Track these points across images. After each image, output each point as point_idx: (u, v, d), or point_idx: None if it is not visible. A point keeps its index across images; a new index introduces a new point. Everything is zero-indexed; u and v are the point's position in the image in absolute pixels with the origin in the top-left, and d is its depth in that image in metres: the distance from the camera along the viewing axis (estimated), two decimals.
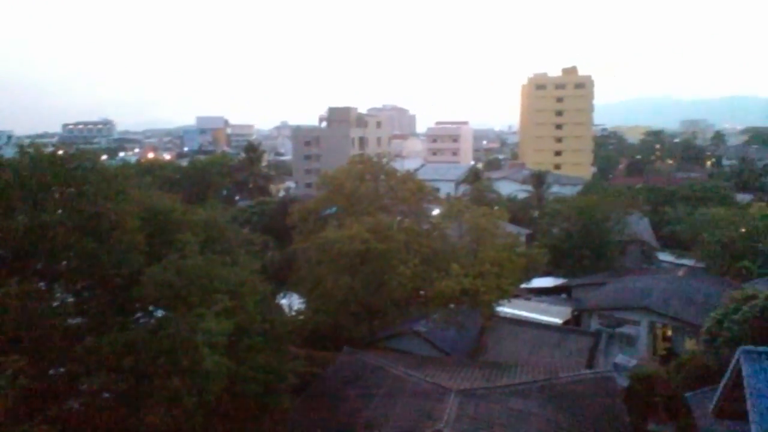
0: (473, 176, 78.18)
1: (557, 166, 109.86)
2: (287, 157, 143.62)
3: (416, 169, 75.51)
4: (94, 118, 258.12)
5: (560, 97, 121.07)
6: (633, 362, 28.13)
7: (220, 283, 16.95)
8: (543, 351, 26.79)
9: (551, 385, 19.42)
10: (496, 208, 46.42)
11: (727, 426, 15.96)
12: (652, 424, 22.91)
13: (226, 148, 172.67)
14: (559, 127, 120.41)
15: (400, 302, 28.47)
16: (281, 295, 32.48)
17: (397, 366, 21.34)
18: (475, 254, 28.82)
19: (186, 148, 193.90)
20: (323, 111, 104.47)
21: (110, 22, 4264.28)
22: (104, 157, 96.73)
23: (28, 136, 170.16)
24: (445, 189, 70.28)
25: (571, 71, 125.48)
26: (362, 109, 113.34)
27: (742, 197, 73.59)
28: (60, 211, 16.44)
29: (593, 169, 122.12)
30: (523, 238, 47.18)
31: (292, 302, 32.73)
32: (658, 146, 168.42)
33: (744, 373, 13.79)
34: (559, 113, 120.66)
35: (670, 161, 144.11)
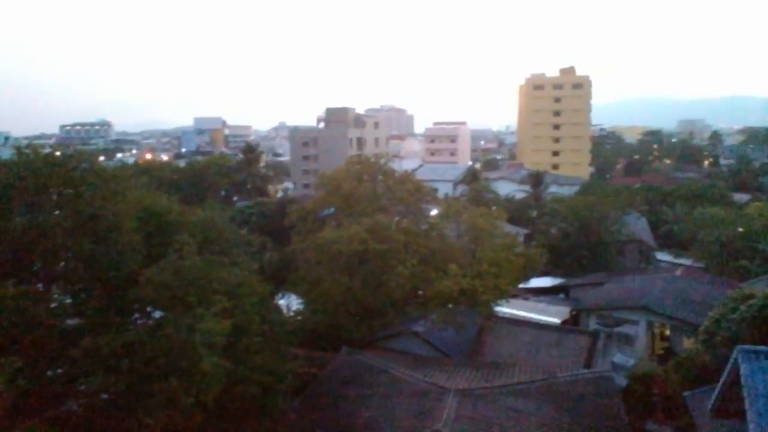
0: (471, 176, 78.23)
1: (555, 166, 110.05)
2: (285, 158, 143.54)
3: (414, 170, 75.58)
4: (92, 119, 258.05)
5: (558, 97, 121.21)
6: (631, 362, 28.11)
7: (218, 284, 16.94)
8: (541, 351, 26.77)
9: (549, 384, 19.43)
10: (494, 208, 46.49)
11: (726, 425, 15.98)
12: (650, 423, 22.92)
13: (223, 149, 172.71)
14: (556, 127, 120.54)
15: (398, 302, 28.47)
16: (280, 295, 32.48)
17: (396, 366, 21.34)
18: (473, 254, 28.86)
19: (184, 149, 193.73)
20: (321, 112, 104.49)
21: (108, 23, 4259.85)
22: (102, 158, 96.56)
23: (26, 137, 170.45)
24: (443, 189, 70.28)
25: (568, 71, 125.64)
26: (360, 110, 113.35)
27: (740, 197, 73.72)
28: (57, 212, 16.43)
29: (591, 169, 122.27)
30: (521, 238, 47.21)
31: (290, 303, 32.72)
32: (655, 146, 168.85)
33: (742, 372, 13.80)
34: (557, 113, 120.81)
35: (668, 161, 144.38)
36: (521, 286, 36.36)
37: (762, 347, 14.53)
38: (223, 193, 79.00)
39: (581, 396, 19.29)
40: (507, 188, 74.26)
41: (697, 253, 44.70)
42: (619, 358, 29.00)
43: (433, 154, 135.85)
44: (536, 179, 71.27)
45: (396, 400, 19.13)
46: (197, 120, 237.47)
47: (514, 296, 32.28)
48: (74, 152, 18.88)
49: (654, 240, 54.20)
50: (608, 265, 44.54)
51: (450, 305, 25.86)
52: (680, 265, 44.20)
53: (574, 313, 34.36)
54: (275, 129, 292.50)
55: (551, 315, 32.90)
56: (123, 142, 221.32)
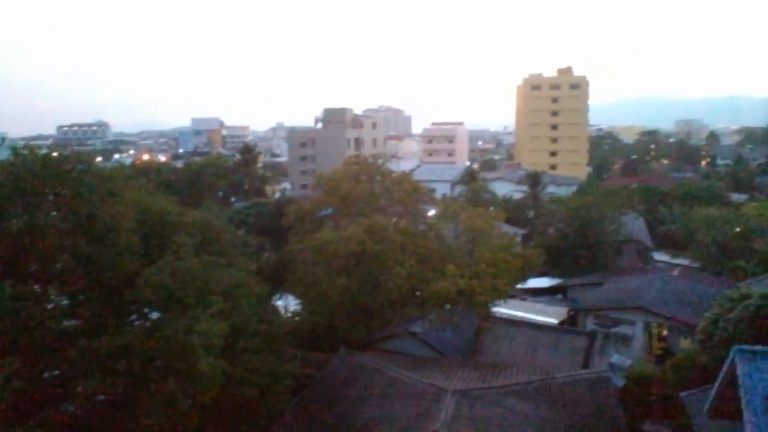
0: (469, 177, 78.32)
1: (553, 167, 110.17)
2: (283, 159, 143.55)
3: (412, 170, 75.65)
4: (89, 120, 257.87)
5: (555, 97, 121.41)
6: (628, 362, 28.16)
7: (215, 285, 16.94)
8: (539, 351, 26.80)
9: (547, 385, 19.44)
10: (491, 208, 46.50)
11: (722, 425, 16.00)
12: (647, 423, 22.97)
13: (221, 150, 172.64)
14: (554, 127, 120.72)
15: (396, 303, 28.45)
16: (277, 296, 32.44)
17: (394, 367, 21.33)
18: (470, 255, 28.85)
19: (181, 150, 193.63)
20: (319, 112, 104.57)
21: (105, 24, 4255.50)
22: (99, 158, 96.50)
23: (23, 139, 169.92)
24: (441, 190, 70.23)
25: (566, 72, 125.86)
26: (358, 110, 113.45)
27: (737, 197, 73.88)
28: (55, 213, 16.40)
29: (589, 170, 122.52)
30: (518, 239, 47.19)
31: (288, 303, 32.68)
32: (653, 146, 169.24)
33: (739, 372, 13.82)
34: (555, 114, 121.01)
35: (665, 161, 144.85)
36: (519, 286, 36.39)
37: (759, 347, 14.56)
38: (220, 193, 78.87)
39: (579, 396, 19.31)
40: (505, 188, 74.30)
41: (694, 253, 44.80)
42: (616, 358, 29.06)
43: (430, 154, 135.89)
44: (534, 179, 71.26)
45: (394, 400, 19.13)
46: (194, 121, 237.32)
47: (512, 297, 32.31)
48: (71, 153, 18.88)
49: (651, 240, 54.29)
50: (606, 265, 44.59)
51: (448, 306, 25.86)
52: (677, 265, 44.30)
53: (571, 313, 34.42)
54: (273, 129, 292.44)
55: (549, 315, 32.94)
56: (120, 143, 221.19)
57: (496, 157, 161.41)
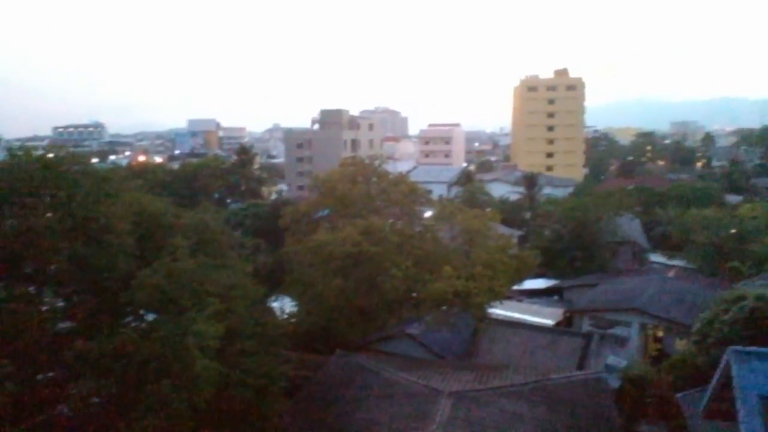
0: (465, 178, 78.40)
1: (549, 168, 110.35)
2: (279, 160, 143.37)
3: (408, 171, 75.68)
4: (85, 121, 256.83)
5: (552, 98, 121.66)
6: (624, 363, 28.19)
7: (211, 287, 16.88)
8: (535, 352, 26.85)
9: (543, 386, 19.47)
10: (488, 209, 46.55)
11: (717, 426, 16.04)
12: (643, 424, 23.00)
13: (217, 151, 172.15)
14: (550, 128, 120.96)
15: (392, 304, 28.47)
16: (273, 298, 32.41)
17: (390, 368, 21.34)
18: (467, 256, 28.88)
19: (177, 151, 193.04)
20: (315, 113, 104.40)
21: (101, 25, 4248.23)
22: (95, 160, 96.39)
23: (18, 140, 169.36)
24: (438, 191, 70.33)
25: (562, 73, 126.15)
26: (354, 112, 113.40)
27: (732, 198, 74.16)
28: (50, 214, 16.34)
29: (585, 171, 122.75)
30: (515, 240, 47.24)
31: (284, 305, 32.67)
32: (649, 147, 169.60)
33: (733, 373, 13.88)
34: (551, 115, 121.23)
35: (661, 162, 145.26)
36: (515, 287, 36.45)
37: (753, 348, 14.63)
38: (216, 195, 78.85)
39: (575, 398, 19.35)
40: (501, 190, 74.37)
41: (689, 254, 44.94)
42: (612, 359, 29.10)
43: (427, 155, 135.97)
44: (530, 181, 71.35)
45: (390, 402, 19.13)
46: (191, 122, 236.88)
47: (508, 298, 32.36)
48: (67, 154, 18.75)
49: (647, 241, 54.45)
50: (602, 266, 44.68)
51: (444, 307, 25.87)
52: (673, 266, 44.43)
53: (567, 314, 34.47)
54: (269, 131, 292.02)
55: (545, 317, 33.00)
56: (116, 144, 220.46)
57: (493, 159, 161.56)
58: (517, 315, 32.29)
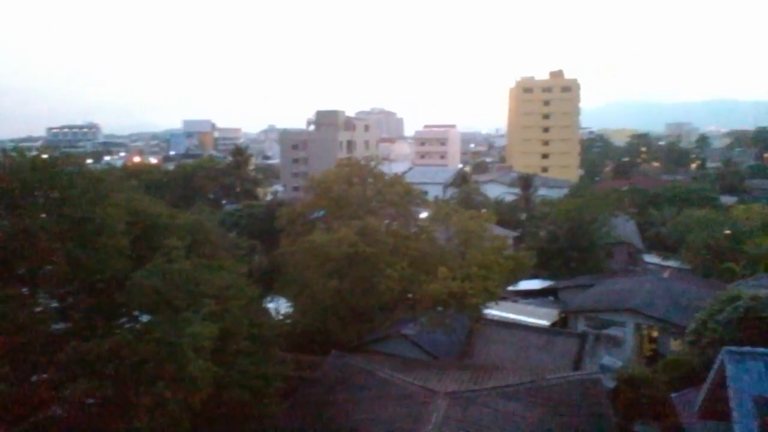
0: (461, 179, 78.42)
1: (544, 169, 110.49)
2: (275, 161, 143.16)
3: (404, 173, 75.52)
4: (80, 122, 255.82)
5: (547, 100, 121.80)
6: (619, 364, 28.29)
7: (206, 288, 16.84)
8: (530, 353, 26.88)
9: (538, 387, 19.49)
10: (483, 210, 46.62)
11: (712, 426, 16.10)
12: (638, 424, 23.06)
13: (212, 152, 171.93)
14: (546, 130, 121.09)
15: (387, 305, 28.43)
16: (268, 299, 32.36)
17: (385, 369, 21.33)
18: (462, 257, 28.88)
19: (172, 152, 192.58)
20: (311, 114, 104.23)
21: (96, 26, 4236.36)
22: (89, 161, 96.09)
23: (12, 140, 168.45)
24: (433, 192, 70.36)
25: (557, 75, 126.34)
26: (350, 113, 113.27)
27: (727, 199, 74.49)
28: (44, 215, 16.27)
29: (580, 172, 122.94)
30: (510, 241, 47.34)
31: (279, 306, 32.60)
32: (643, 149, 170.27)
33: (728, 373, 13.93)
34: (546, 116, 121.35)
35: (656, 164, 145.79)
36: (510, 288, 36.48)
37: (748, 348, 14.69)
38: (211, 196, 78.70)
39: (570, 398, 19.37)
40: (497, 191, 74.47)
41: (684, 255, 45.10)
42: (607, 360, 29.20)
43: (423, 157, 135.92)
44: (526, 182, 71.44)
45: (385, 403, 19.12)
46: (186, 123, 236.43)
47: (504, 299, 32.37)
48: (61, 155, 18.71)
49: (642, 242, 54.64)
50: (597, 267, 44.79)
51: (439, 308, 25.87)
52: (668, 267, 44.60)
53: (562, 315, 34.54)
54: (265, 132, 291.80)
55: (540, 317, 33.06)
56: (111, 145, 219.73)
57: (488, 160, 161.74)
58: (512, 316, 32.34)
